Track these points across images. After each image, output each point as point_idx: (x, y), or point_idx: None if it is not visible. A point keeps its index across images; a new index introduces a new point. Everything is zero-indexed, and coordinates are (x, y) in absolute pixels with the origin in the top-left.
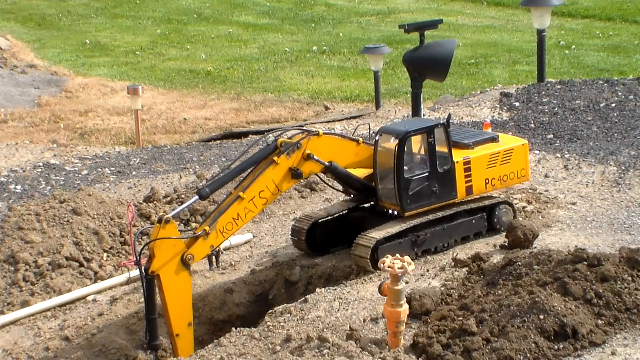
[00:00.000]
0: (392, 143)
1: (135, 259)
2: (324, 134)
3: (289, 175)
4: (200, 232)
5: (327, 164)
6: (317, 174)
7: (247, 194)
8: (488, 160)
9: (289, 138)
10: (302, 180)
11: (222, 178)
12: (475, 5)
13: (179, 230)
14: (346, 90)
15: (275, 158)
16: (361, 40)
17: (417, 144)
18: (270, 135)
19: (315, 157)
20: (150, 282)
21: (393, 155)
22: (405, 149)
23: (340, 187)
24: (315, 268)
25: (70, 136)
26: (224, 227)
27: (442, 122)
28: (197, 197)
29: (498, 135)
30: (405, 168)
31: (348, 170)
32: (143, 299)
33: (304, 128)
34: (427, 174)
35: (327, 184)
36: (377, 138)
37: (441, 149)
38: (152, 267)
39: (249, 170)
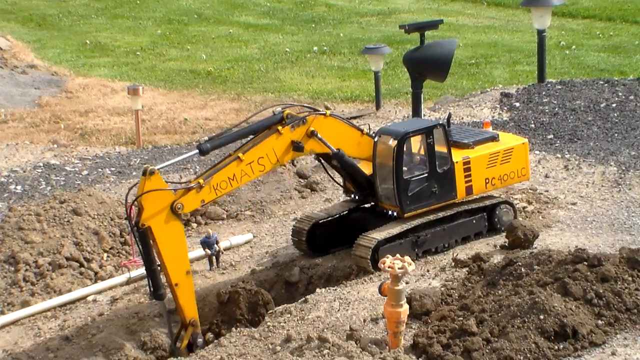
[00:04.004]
0: (391, 144)
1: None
2: (330, 115)
3: (290, 148)
4: (193, 184)
5: (335, 150)
6: (321, 164)
7: (246, 156)
8: (488, 159)
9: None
10: (301, 157)
11: (224, 137)
12: (475, 5)
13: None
14: (346, 90)
15: (280, 127)
16: (361, 40)
17: (416, 145)
18: (278, 107)
19: (319, 136)
20: (142, 235)
21: (392, 156)
22: (404, 150)
23: (339, 184)
24: (315, 268)
25: (70, 136)
26: (217, 184)
27: (441, 122)
28: (196, 151)
29: (498, 134)
30: (404, 169)
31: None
32: (142, 298)
33: (312, 107)
34: (426, 175)
35: (327, 173)
36: (376, 139)
37: (440, 149)
38: (142, 220)
39: (252, 137)
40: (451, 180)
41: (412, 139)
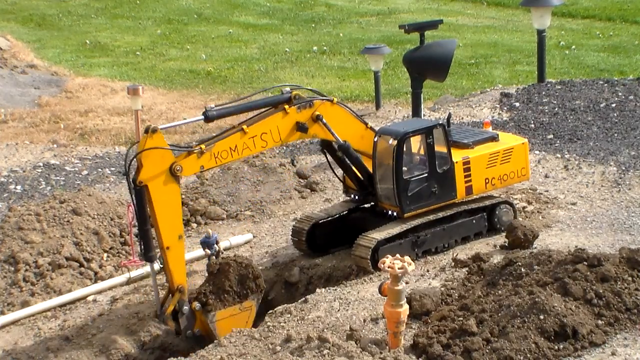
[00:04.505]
0: (391, 143)
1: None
2: (337, 102)
3: (295, 128)
4: (195, 149)
5: (342, 141)
6: (325, 157)
7: (250, 129)
8: (488, 159)
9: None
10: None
11: (231, 107)
12: (475, 5)
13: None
14: (346, 90)
15: (286, 106)
16: (361, 40)
17: (415, 145)
18: (287, 87)
19: (324, 121)
20: (139, 193)
21: (392, 156)
22: (404, 150)
23: (340, 179)
24: (315, 268)
25: (70, 136)
26: (218, 152)
27: (440, 122)
28: (202, 117)
29: (498, 134)
30: (404, 169)
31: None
32: (142, 298)
33: (320, 92)
34: (426, 175)
35: (331, 167)
36: (375, 139)
37: (440, 149)
38: (140, 177)
39: (258, 113)
40: (451, 180)
41: (412, 139)
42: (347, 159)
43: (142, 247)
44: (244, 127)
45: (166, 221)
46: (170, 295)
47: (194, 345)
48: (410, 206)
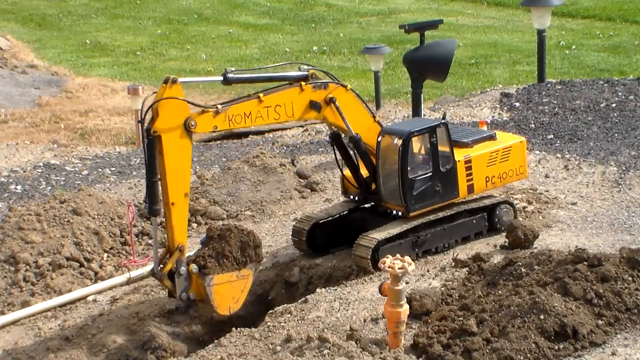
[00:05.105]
0: (397, 143)
1: (142, 129)
2: (350, 89)
3: (308, 106)
4: (211, 107)
5: (355, 134)
6: (333, 149)
7: (266, 99)
8: (488, 158)
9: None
10: (315, 119)
11: (250, 75)
12: (475, 5)
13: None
14: None
15: (303, 83)
16: (361, 40)
17: (418, 144)
18: (305, 65)
19: (337, 104)
20: (151, 143)
21: (397, 155)
22: (409, 149)
23: (340, 170)
24: (315, 268)
25: (70, 136)
26: (233, 115)
27: (443, 121)
28: (221, 78)
29: (495, 133)
30: (408, 168)
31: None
32: (142, 298)
33: (335, 77)
34: (430, 174)
35: (337, 163)
36: (379, 139)
37: (443, 148)
38: (154, 126)
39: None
40: (454, 179)
41: (415, 138)
42: (356, 152)
43: (148, 199)
44: (261, 95)
45: (175, 176)
46: (169, 254)
47: (187, 308)
48: (415, 205)
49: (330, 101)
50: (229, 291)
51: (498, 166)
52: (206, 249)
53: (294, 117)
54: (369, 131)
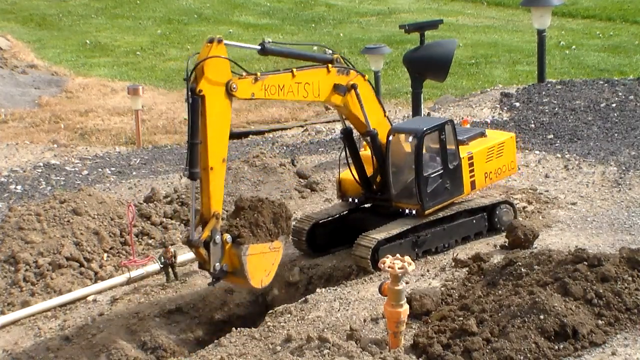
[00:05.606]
0: (412, 141)
1: (187, 101)
2: (367, 80)
3: (332, 89)
4: (252, 74)
5: (372, 129)
6: (344, 144)
7: (298, 74)
8: (486, 154)
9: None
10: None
11: (285, 49)
12: (475, 5)
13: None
14: None
15: (330, 65)
16: (361, 40)
17: (428, 142)
18: (329, 49)
19: (358, 92)
20: (195, 103)
21: (412, 154)
22: (424, 147)
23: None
24: (315, 268)
25: (70, 136)
26: (269, 85)
27: (449, 118)
28: (259, 46)
29: (485, 130)
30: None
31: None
32: (142, 298)
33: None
34: (441, 171)
35: (347, 160)
36: (389, 138)
37: (450, 145)
38: (200, 85)
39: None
40: (460, 175)
41: (427, 136)
42: (372, 148)
43: (188, 162)
44: (294, 70)
45: (215, 139)
46: (202, 224)
47: (216, 281)
48: (429, 203)
49: (352, 87)
50: (262, 263)
51: (494, 162)
52: (237, 219)
53: (320, 98)
54: (378, 125)
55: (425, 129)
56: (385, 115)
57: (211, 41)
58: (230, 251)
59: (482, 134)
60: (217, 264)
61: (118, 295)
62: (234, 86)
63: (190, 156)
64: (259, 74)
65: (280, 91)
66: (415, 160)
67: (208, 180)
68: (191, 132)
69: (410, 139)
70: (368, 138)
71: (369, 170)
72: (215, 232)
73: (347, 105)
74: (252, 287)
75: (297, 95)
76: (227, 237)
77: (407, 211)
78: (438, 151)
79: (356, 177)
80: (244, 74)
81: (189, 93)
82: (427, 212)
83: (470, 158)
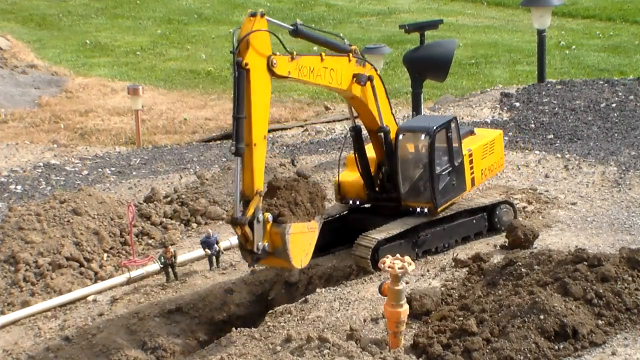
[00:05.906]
0: (424, 139)
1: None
2: (379, 75)
3: (352, 78)
4: (289, 53)
5: (385, 125)
6: (353, 140)
7: (326, 59)
8: (482, 151)
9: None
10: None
11: (315, 33)
12: (475, 5)
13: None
14: None
15: (351, 55)
16: (361, 40)
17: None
18: (347, 41)
19: (374, 84)
20: (240, 76)
21: (426, 151)
22: (436, 145)
23: (357, 164)
24: (315, 268)
25: (70, 136)
26: (302, 66)
27: (453, 115)
28: (292, 27)
29: (474, 128)
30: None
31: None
32: (142, 298)
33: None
34: (450, 168)
35: (356, 157)
36: (399, 137)
37: (454, 143)
38: (246, 58)
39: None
40: (463, 172)
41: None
42: (384, 146)
43: (234, 138)
44: (323, 54)
45: (258, 114)
46: (242, 202)
47: (256, 262)
48: (441, 200)
49: (369, 79)
50: (301, 242)
51: (488, 158)
52: (275, 199)
53: (342, 86)
54: (389, 124)
55: (435, 126)
56: (391, 112)
57: (254, 15)
58: (271, 230)
59: (472, 132)
60: (260, 242)
61: (118, 295)
62: (274, 62)
63: (236, 131)
64: (295, 52)
65: (310, 73)
66: (429, 158)
67: (252, 156)
68: (237, 106)
69: (423, 137)
70: (381, 135)
71: (373, 170)
72: (258, 210)
73: (364, 98)
74: (292, 267)
75: (324, 79)
76: (269, 216)
77: (417, 210)
78: (445, 149)
79: (346, 183)
80: (278, 53)
81: (235, 67)
82: (440, 209)
83: (470, 155)
